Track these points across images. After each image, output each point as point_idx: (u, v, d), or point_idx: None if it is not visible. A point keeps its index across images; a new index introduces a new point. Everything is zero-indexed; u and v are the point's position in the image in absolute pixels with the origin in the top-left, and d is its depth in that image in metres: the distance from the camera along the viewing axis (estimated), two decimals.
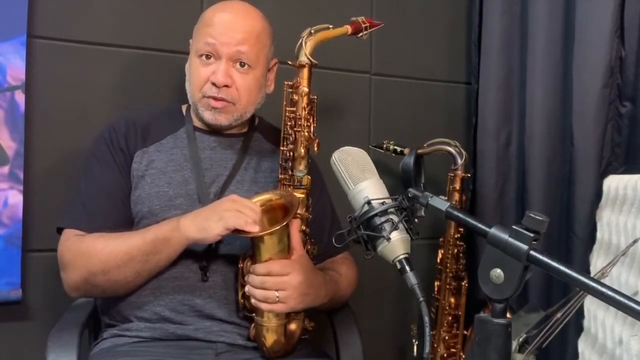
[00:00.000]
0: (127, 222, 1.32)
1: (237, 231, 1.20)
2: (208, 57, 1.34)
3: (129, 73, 1.65)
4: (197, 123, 1.42)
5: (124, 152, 1.35)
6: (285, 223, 1.21)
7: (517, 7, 1.89)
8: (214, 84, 1.33)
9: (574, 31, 1.67)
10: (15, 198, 1.50)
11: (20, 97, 1.50)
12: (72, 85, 1.59)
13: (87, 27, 1.60)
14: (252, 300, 1.22)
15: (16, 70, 1.50)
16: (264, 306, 1.21)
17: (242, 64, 1.35)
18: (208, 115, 1.36)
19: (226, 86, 1.33)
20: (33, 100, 1.53)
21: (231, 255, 1.30)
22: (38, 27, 1.55)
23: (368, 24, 1.42)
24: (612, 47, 1.57)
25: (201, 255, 1.30)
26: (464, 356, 1.71)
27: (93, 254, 1.25)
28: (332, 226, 1.47)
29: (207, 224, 1.21)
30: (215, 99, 1.34)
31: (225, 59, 1.33)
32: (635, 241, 1.26)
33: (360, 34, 1.42)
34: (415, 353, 1.78)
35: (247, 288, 1.23)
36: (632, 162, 1.56)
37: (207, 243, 1.26)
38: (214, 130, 1.41)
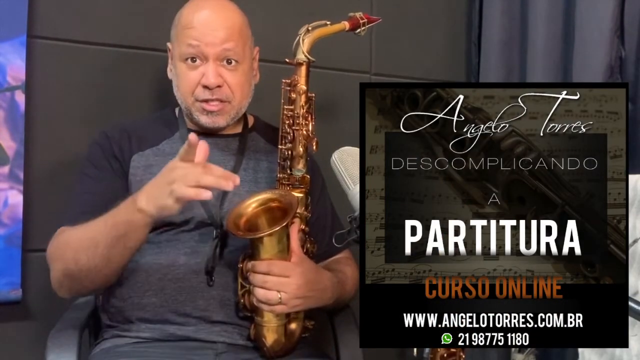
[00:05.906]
0: None
1: (232, 231, 1.20)
2: (193, 59, 1.32)
3: (129, 73, 1.65)
4: (190, 125, 1.41)
5: (119, 160, 1.34)
6: (284, 224, 1.20)
7: (517, 7, 1.89)
8: (205, 87, 1.31)
9: (574, 31, 1.67)
10: (15, 198, 1.50)
11: (20, 97, 1.50)
12: (72, 85, 1.59)
13: (87, 27, 1.60)
14: (254, 300, 1.22)
15: (16, 70, 1.49)
16: (265, 307, 1.21)
17: (230, 61, 1.33)
18: (205, 120, 1.35)
19: (218, 86, 1.32)
20: (33, 100, 1.53)
21: (235, 258, 1.29)
22: (38, 27, 1.54)
23: (366, 20, 1.40)
24: (612, 47, 1.58)
25: (205, 258, 1.29)
26: (464, 356, 1.70)
27: (67, 244, 1.23)
28: (332, 225, 1.46)
29: (163, 202, 1.13)
30: (208, 102, 1.33)
31: (213, 59, 1.31)
32: (635, 241, 1.26)
33: (358, 29, 1.40)
34: (415, 353, 1.77)
35: (251, 287, 1.22)
36: (632, 162, 1.55)
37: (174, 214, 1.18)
38: (209, 133, 1.38)
